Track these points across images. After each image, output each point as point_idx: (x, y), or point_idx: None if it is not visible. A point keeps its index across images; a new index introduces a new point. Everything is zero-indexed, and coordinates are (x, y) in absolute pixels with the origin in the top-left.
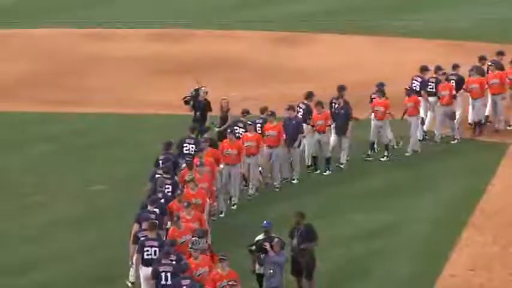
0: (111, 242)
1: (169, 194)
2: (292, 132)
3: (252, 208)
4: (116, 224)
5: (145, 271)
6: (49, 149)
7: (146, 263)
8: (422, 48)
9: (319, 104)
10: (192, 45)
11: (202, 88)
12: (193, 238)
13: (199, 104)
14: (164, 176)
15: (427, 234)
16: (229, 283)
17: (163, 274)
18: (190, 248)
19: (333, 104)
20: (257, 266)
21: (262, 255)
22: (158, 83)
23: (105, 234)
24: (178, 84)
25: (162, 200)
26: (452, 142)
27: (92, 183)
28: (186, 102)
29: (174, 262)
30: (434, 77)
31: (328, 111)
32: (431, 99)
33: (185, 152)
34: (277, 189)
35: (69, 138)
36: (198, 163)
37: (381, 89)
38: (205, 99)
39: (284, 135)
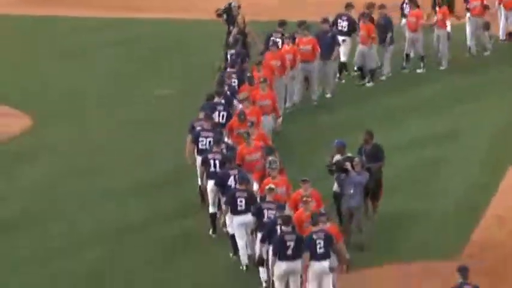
0: (177, 145)
1: (236, 87)
2: (329, 45)
3: (295, 118)
4: (179, 129)
5: (199, 160)
6: (113, 55)
7: (200, 153)
8: None
9: (362, 15)
10: None
11: (233, 2)
12: (271, 158)
13: (232, 19)
14: (229, 70)
15: (491, 140)
16: (304, 199)
17: (212, 161)
18: (269, 167)
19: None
20: (335, 186)
21: (342, 176)
22: None
23: (170, 139)
24: None
25: (228, 92)
26: (485, 53)
27: (157, 88)
28: (219, 15)
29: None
30: None
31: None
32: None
33: (271, 44)
34: (315, 103)
35: (132, 45)
36: (262, 79)
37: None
38: (239, 13)
39: (319, 49)
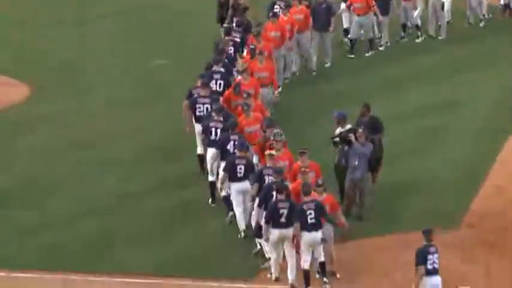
0: (176, 115)
1: (232, 55)
2: (324, 16)
3: (293, 89)
4: (178, 99)
5: (198, 127)
6: (112, 25)
7: (198, 120)
8: None
9: None
10: None
11: None
12: (276, 130)
13: None
14: (226, 38)
15: (490, 110)
16: (302, 169)
17: (213, 129)
18: (273, 139)
19: None
20: (336, 158)
21: (345, 147)
22: None
23: (168, 109)
24: None
25: (226, 60)
26: (481, 24)
27: (156, 58)
28: None
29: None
30: None
31: None
32: None
33: (271, 15)
34: (314, 73)
35: (132, 15)
36: (258, 51)
37: None
38: None
39: (311, 19)
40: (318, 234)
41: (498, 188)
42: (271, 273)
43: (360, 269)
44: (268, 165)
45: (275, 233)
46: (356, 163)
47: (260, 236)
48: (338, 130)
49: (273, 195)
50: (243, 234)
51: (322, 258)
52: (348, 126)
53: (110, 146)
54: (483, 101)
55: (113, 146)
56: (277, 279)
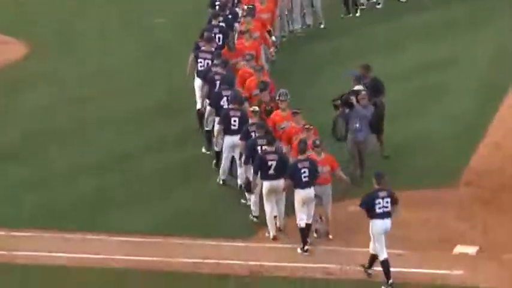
0: (176, 73)
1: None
2: None
3: (290, 48)
4: (177, 56)
5: (198, 82)
6: None
7: (198, 73)
8: None
9: None
10: None
11: None
12: (282, 90)
13: None
14: None
15: (488, 67)
16: (306, 126)
17: (218, 82)
18: (278, 99)
19: None
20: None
21: (347, 110)
22: None
23: (166, 66)
24: None
25: (230, 16)
26: None
27: (154, 16)
28: None
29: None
30: None
31: None
32: None
33: None
34: (299, 34)
35: None
36: (245, 13)
37: None
38: None
39: None
40: (311, 191)
41: (496, 145)
42: (268, 232)
43: (357, 229)
44: (251, 121)
45: (266, 185)
46: (357, 125)
47: (250, 190)
48: (356, 88)
49: (257, 151)
50: (221, 182)
51: (310, 220)
52: (356, 87)
53: (109, 104)
54: (481, 59)
55: (112, 104)
56: (274, 238)
